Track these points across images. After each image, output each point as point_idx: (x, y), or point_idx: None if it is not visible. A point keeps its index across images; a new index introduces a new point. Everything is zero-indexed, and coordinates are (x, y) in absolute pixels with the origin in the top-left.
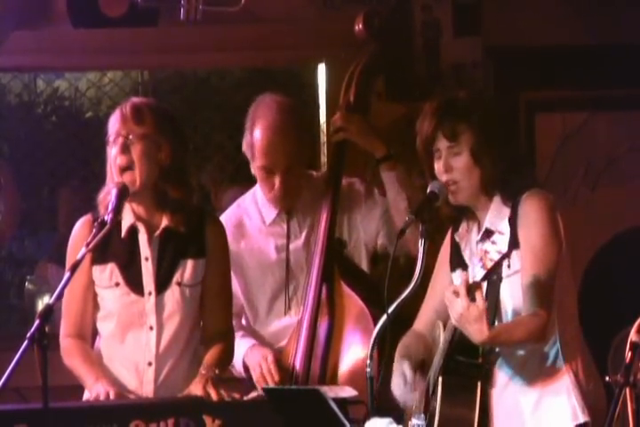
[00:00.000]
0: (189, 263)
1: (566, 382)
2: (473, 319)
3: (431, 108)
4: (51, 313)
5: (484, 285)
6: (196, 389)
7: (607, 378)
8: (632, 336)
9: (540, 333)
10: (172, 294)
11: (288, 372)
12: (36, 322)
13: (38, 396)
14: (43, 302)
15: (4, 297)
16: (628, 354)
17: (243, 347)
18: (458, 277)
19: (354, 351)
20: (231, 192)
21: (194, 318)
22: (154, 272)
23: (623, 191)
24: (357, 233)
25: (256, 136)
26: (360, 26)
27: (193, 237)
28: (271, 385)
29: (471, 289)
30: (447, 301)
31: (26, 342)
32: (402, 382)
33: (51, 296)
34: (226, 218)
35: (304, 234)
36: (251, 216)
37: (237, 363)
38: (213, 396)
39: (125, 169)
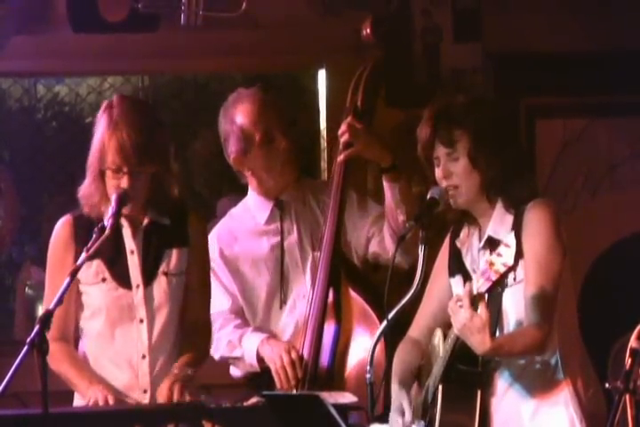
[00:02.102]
0: (174, 252)
1: (565, 392)
2: (476, 330)
3: (428, 114)
4: (50, 319)
5: (486, 295)
6: (163, 387)
7: (607, 384)
8: (632, 343)
9: (540, 345)
10: (160, 285)
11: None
12: (36, 327)
13: (38, 401)
14: (42, 307)
15: (4, 302)
16: (628, 360)
17: (255, 338)
18: (457, 282)
19: (362, 354)
20: (225, 200)
21: (181, 307)
22: (140, 265)
23: (624, 198)
24: (350, 238)
25: (239, 119)
26: (368, 30)
27: (176, 228)
28: (291, 378)
29: (475, 300)
30: (450, 311)
31: (25, 348)
32: (399, 418)
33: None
34: (219, 227)
35: (297, 231)
36: (243, 221)
37: (249, 355)
38: (175, 396)
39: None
